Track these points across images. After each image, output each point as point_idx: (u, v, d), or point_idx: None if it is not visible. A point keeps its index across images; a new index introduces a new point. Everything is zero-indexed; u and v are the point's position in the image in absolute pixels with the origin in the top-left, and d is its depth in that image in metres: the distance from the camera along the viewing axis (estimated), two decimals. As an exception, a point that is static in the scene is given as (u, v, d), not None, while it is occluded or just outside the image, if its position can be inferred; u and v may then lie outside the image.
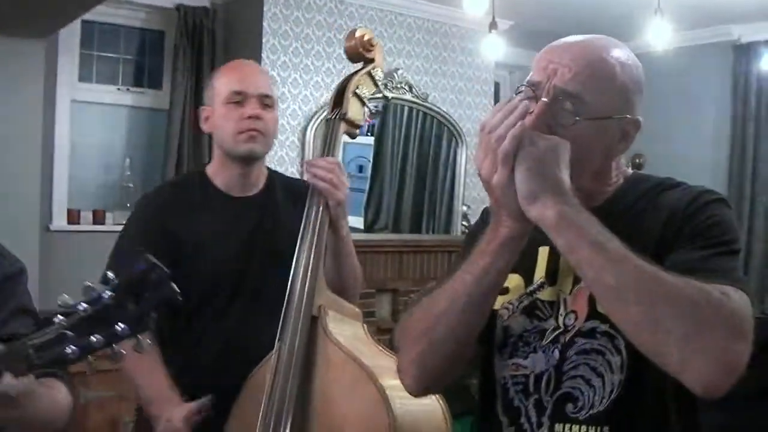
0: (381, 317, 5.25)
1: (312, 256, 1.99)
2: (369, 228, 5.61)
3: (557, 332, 1.34)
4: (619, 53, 1.32)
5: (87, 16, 4.44)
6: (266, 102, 2.17)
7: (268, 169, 2.30)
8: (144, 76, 5.13)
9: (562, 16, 5.10)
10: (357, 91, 2.15)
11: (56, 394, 1.48)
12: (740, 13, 5.56)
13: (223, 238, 2.15)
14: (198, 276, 2.05)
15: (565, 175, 1.20)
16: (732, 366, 1.10)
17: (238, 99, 2.14)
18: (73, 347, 1.18)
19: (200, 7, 4.95)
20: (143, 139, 5.10)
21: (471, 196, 5.89)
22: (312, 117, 5.11)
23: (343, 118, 2.13)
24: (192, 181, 2.28)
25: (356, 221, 5.32)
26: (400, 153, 5.80)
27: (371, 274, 4.85)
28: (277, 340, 1.95)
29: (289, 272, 1.99)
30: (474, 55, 5.82)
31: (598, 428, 1.29)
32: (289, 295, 1.97)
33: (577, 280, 1.32)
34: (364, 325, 2.02)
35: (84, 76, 4.87)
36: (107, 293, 1.19)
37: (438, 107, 5.76)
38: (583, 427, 1.30)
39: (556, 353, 1.34)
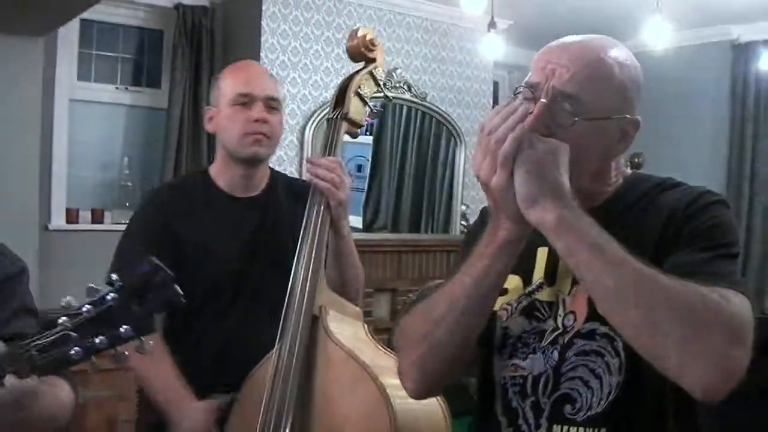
0: (379, 317, 5.25)
1: (313, 255, 1.99)
2: (368, 227, 5.61)
3: (556, 333, 1.34)
4: (618, 53, 1.32)
5: (86, 15, 4.44)
6: (272, 104, 2.17)
7: (271, 169, 2.30)
8: (143, 75, 5.13)
9: (561, 15, 5.11)
10: (359, 90, 2.15)
11: (59, 392, 1.48)
12: (739, 13, 5.57)
13: (225, 239, 2.15)
14: (199, 276, 2.05)
15: (565, 178, 1.19)
16: (731, 370, 1.10)
17: (244, 101, 2.13)
18: (77, 348, 1.19)
19: (199, 6, 4.95)
20: (142, 138, 5.09)
21: (470, 195, 5.89)
22: (311, 116, 5.11)
23: (345, 117, 2.13)
24: (194, 182, 2.28)
25: (355, 221, 5.32)
26: (398, 152, 5.81)
27: (370, 274, 4.82)
28: (277, 339, 1.95)
29: (291, 273, 1.99)
30: (473, 54, 5.82)
31: (596, 430, 1.29)
32: (289, 294, 1.96)
33: (575, 281, 1.32)
34: (365, 325, 2.02)
35: (83, 75, 4.87)
36: (111, 295, 1.19)
37: (437, 107, 5.76)
38: (581, 429, 1.30)
39: (556, 354, 1.33)
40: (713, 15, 5.63)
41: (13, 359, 1.22)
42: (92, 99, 4.91)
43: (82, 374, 1.55)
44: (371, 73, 2.19)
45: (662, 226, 1.28)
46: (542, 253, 1.38)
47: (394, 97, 5.45)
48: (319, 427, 1.89)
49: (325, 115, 4.90)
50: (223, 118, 2.16)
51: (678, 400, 1.23)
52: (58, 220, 4.70)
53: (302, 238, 2.01)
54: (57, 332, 1.19)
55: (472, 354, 1.40)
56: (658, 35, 4.53)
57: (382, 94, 2.32)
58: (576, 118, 1.25)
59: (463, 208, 5.89)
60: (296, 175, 4.73)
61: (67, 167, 4.77)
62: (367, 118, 2.20)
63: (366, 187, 5.65)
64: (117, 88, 5.00)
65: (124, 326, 1.19)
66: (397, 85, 5.46)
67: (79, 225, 4.76)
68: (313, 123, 5.08)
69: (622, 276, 1.13)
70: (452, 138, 5.88)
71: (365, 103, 2.16)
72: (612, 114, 1.29)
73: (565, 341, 1.33)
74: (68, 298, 1.21)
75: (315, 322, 1.95)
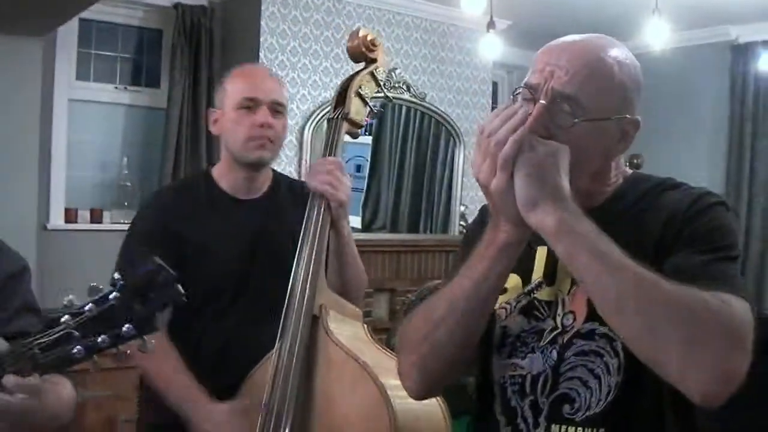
0: (378, 317, 5.25)
1: (313, 256, 1.99)
2: (366, 228, 5.61)
3: (555, 333, 1.34)
4: (617, 53, 1.31)
5: (85, 15, 4.44)
6: (277, 109, 2.17)
7: (273, 171, 2.30)
8: (142, 74, 5.12)
9: (560, 16, 5.10)
10: (359, 90, 2.15)
11: (61, 390, 1.49)
12: (738, 14, 5.57)
13: (227, 240, 2.15)
14: (200, 277, 2.05)
15: (565, 181, 1.19)
16: (731, 376, 1.10)
17: (250, 105, 2.14)
18: (79, 347, 1.19)
19: (198, 5, 4.95)
20: (141, 137, 5.08)
21: (469, 196, 5.89)
22: (310, 116, 5.10)
23: (346, 117, 2.13)
24: (197, 183, 2.29)
25: (354, 221, 5.32)
26: (398, 152, 5.80)
27: (368, 274, 4.77)
28: (278, 339, 1.95)
29: (291, 274, 1.99)
30: (472, 54, 5.82)
31: (594, 430, 1.29)
32: (290, 294, 1.97)
33: (575, 281, 1.32)
34: (365, 325, 2.02)
35: (81, 75, 4.86)
36: (113, 294, 1.20)
37: (436, 107, 5.76)
38: (579, 429, 1.30)
39: (554, 354, 1.33)
40: (712, 16, 5.63)
41: (16, 358, 1.23)
42: (91, 99, 4.90)
43: (81, 374, 1.56)
44: (372, 74, 2.19)
45: (662, 226, 1.28)
46: (541, 252, 1.37)
47: (393, 97, 5.45)
48: (319, 427, 1.89)
49: (324, 115, 4.95)
50: (228, 122, 2.16)
51: (677, 401, 1.23)
52: (56, 220, 4.69)
53: (302, 238, 2.02)
54: (59, 331, 1.20)
55: (472, 354, 1.40)
56: (657, 36, 4.53)
57: (382, 95, 2.32)
58: (575, 120, 1.24)
59: (462, 208, 5.89)
60: (294, 175, 4.73)
61: (66, 167, 4.76)
62: (367, 118, 2.21)
63: (365, 187, 5.64)
64: (116, 87, 4.99)
65: (127, 325, 1.19)
66: (396, 85, 5.46)
67: (78, 225, 4.75)
68: (312, 123, 5.08)
69: (622, 281, 1.13)
70: (451, 138, 5.88)
71: (366, 104, 2.17)
72: (612, 114, 1.28)
73: (564, 341, 1.33)
74: (70, 296, 1.22)
75: (315, 322, 1.95)
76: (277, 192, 2.26)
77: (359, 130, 2.19)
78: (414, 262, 5.54)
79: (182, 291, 1.25)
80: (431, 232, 5.93)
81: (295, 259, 2.00)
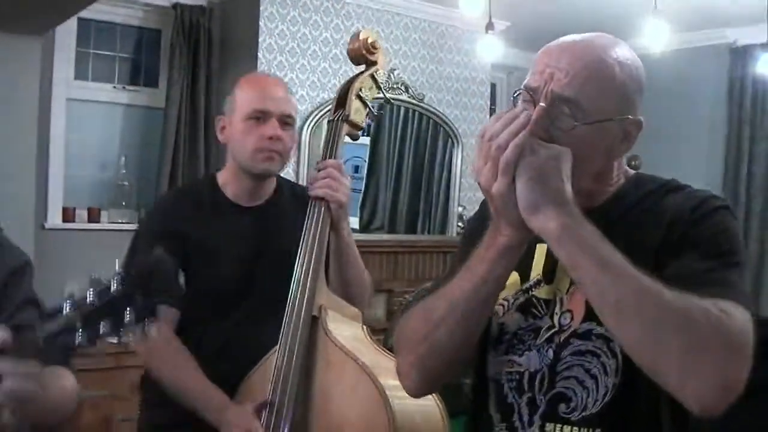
0: (376, 317, 5.25)
1: (313, 256, 2.00)
2: (364, 228, 5.61)
3: (552, 331, 1.34)
4: (619, 53, 1.30)
5: (83, 14, 4.42)
6: (287, 120, 2.17)
7: (277, 176, 2.30)
8: (140, 74, 5.11)
9: (558, 17, 5.10)
10: (360, 93, 2.15)
11: (65, 383, 1.50)
12: (736, 16, 5.57)
13: (229, 246, 2.15)
14: (204, 279, 2.05)
15: (567, 185, 1.18)
16: (730, 387, 1.10)
17: (259, 116, 2.13)
18: (82, 335, 1.19)
19: (197, 5, 4.94)
20: (139, 137, 5.08)
21: (467, 197, 5.89)
22: (308, 117, 5.10)
23: (346, 119, 2.13)
24: (201, 188, 2.29)
25: (351, 221, 5.29)
26: (396, 153, 5.80)
27: (366, 275, 4.86)
28: (279, 338, 1.95)
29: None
30: (470, 55, 5.81)
31: (590, 430, 1.29)
32: (290, 295, 1.97)
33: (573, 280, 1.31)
34: (365, 326, 2.03)
35: (80, 74, 4.85)
36: (115, 283, 1.20)
37: (434, 108, 5.76)
38: (575, 428, 1.30)
39: (550, 353, 1.33)
40: (710, 18, 5.64)
41: (18, 347, 1.23)
42: (89, 98, 4.89)
43: (79, 374, 1.56)
44: (372, 76, 2.20)
45: (665, 228, 1.27)
46: (541, 250, 1.37)
47: (391, 98, 5.44)
48: (318, 427, 1.90)
49: (323, 116, 4.95)
50: (236, 132, 2.16)
51: (674, 402, 1.22)
52: (54, 219, 4.68)
53: (303, 239, 2.02)
54: (61, 320, 1.20)
55: (471, 353, 1.40)
56: (656, 38, 4.53)
57: (382, 97, 2.33)
58: (576, 123, 1.23)
59: (460, 209, 5.89)
60: (292, 174, 4.74)
61: (64, 166, 4.75)
62: (366, 119, 2.21)
63: (363, 188, 5.64)
64: (114, 87, 4.99)
65: (128, 314, 1.19)
66: (395, 86, 5.46)
67: (76, 224, 4.75)
68: (310, 123, 5.08)
69: (623, 288, 1.12)
70: (449, 139, 5.88)
71: (366, 106, 2.17)
72: (613, 115, 1.27)
73: (561, 340, 1.33)
74: (72, 286, 1.22)
75: (315, 322, 1.96)
76: (281, 198, 2.27)
77: (359, 132, 2.19)
78: (412, 262, 5.54)
79: (183, 281, 1.27)
80: (429, 232, 5.92)
81: (296, 259, 2.01)
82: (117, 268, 1.23)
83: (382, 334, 3.72)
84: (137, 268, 1.22)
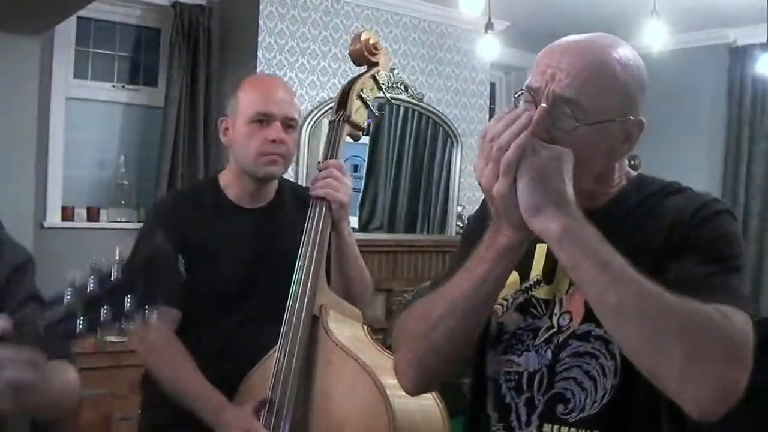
0: (375, 317, 5.25)
1: (314, 256, 2.00)
2: (363, 227, 5.61)
3: (551, 332, 1.34)
4: (620, 53, 1.29)
5: (83, 13, 4.42)
6: (290, 123, 2.16)
7: (279, 177, 2.30)
8: (139, 73, 5.11)
9: (558, 17, 5.11)
10: (361, 93, 2.16)
11: (67, 376, 1.50)
12: (736, 16, 5.58)
13: (230, 248, 2.15)
14: (204, 283, 2.05)
15: (569, 186, 1.18)
16: (729, 392, 1.10)
17: (263, 119, 2.13)
18: (82, 323, 1.19)
19: (196, 4, 4.94)
20: (138, 136, 5.07)
21: (466, 196, 5.89)
22: (308, 116, 5.09)
23: (347, 120, 2.13)
24: (203, 190, 2.29)
25: (351, 220, 5.31)
26: (395, 153, 5.80)
27: (365, 274, 4.86)
28: (280, 338, 1.95)
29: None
30: (470, 55, 5.81)
31: (588, 431, 1.29)
32: (290, 294, 1.97)
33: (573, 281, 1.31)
34: (365, 326, 2.03)
35: (79, 73, 4.85)
36: (115, 271, 1.20)
37: (433, 107, 5.75)
38: (573, 429, 1.30)
39: (549, 353, 1.33)
40: (710, 18, 5.64)
41: (19, 334, 1.23)
42: (89, 97, 4.89)
43: (79, 373, 1.56)
44: (374, 77, 2.20)
45: (666, 231, 1.27)
46: (541, 250, 1.37)
47: (391, 98, 5.45)
48: (318, 426, 1.90)
49: (322, 115, 4.95)
50: (239, 134, 2.15)
51: (672, 404, 1.23)
52: (53, 218, 4.68)
53: (303, 239, 2.02)
54: (62, 308, 1.20)
55: (469, 352, 1.40)
56: (655, 38, 4.53)
57: (384, 98, 2.33)
58: (577, 124, 1.23)
59: (459, 209, 5.89)
60: (292, 174, 4.73)
61: (63, 165, 4.75)
62: (368, 120, 2.21)
63: (362, 188, 5.64)
64: (114, 86, 4.98)
65: (129, 301, 1.19)
66: (394, 85, 5.45)
67: (75, 223, 4.74)
68: (309, 123, 5.07)
69: (624, 292, 1.12)
70: (449, 139, 5.88)
71: (367, 106, 2.17)
72: (615, 116, 1.27)
73: (560, 341, 1.33)
74: (73, 274, 1.22)
75: (315, 322, 1.96)
76: (283, 199, 2.27)
77: (360, 132, 2.19)
78: (411, 262, 5.54)
79: (183, 270, 1.27)
80: (428, 232, 5.92)
81: (297, 259, 2.01)
82: (117, 255, 1.23)
83: (381, 333, 3.72)
84: (137, 257, 1.22)
